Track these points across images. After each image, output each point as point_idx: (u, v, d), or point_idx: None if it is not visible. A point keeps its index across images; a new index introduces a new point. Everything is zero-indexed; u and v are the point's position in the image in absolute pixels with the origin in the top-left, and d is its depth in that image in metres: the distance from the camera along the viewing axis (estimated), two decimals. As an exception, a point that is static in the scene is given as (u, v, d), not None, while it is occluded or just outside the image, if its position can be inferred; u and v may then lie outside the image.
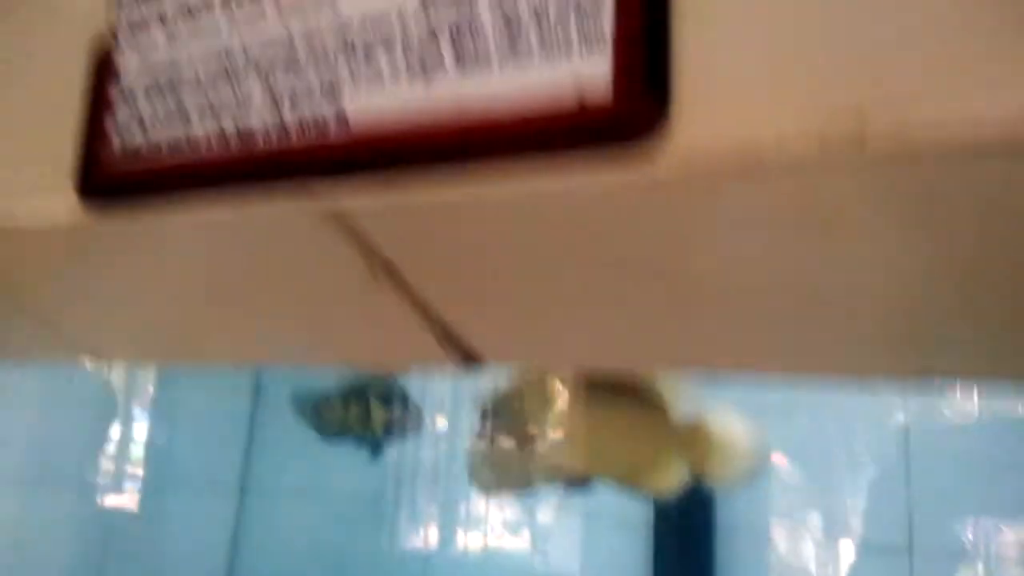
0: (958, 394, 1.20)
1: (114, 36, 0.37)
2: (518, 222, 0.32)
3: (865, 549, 1.25)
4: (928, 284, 0.31)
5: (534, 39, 0.28)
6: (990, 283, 0.30)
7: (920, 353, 0.38)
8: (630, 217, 0.29)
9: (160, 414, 1.75)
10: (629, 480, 1.14)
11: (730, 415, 1.17)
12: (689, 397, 1.15)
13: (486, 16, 0.29)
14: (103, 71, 0.37)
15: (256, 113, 0.34)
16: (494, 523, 1.65)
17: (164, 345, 0.55)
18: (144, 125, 0.36)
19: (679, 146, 0.26)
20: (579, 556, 1.46)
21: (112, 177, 0.37)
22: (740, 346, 0.39)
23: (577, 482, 1.18)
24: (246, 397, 1.90)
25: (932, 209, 0.26)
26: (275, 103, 0.33)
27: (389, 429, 1.67)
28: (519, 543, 1.59)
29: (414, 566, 1.67)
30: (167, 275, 0.43)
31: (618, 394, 1.15)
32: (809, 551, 1.28)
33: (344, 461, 1.68)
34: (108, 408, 1.68)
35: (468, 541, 1.67)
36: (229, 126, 0.34)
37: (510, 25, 0.28)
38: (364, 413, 1.65)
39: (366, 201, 0.32)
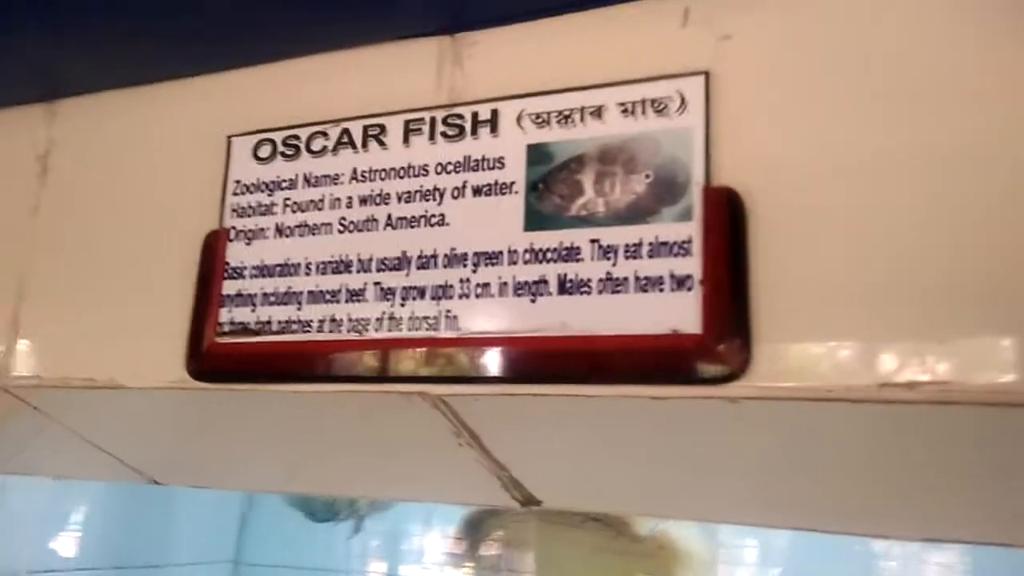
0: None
1: (227, 235, 0.41)
2: (590, 415, 0.36)
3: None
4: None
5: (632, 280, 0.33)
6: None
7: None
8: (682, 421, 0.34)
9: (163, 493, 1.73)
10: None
11: (688, 527, 1.25)
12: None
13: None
14: (214, 262, 0.41)
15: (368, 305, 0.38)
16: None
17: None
18: (255, 306, 0.40)
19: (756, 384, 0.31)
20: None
21: (218, 356, 0.40)
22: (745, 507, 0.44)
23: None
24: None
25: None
26: (386, 298, 0.38)
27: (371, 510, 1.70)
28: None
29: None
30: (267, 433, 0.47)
31: (584, 514, 1.22)
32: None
33: (327, 536, 1.68)
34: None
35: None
36: (340, 313, 0.38)
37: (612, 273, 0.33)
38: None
39: (462, 388, 0.36)
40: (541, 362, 0.34)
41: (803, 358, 0.30)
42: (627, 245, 0.33)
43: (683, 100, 0.34)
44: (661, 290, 0.32)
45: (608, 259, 0.34)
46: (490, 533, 1.36)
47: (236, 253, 0.41)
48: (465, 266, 0.36)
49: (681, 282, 0.32)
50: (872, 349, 0.29)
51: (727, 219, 0.32)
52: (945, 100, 0.30)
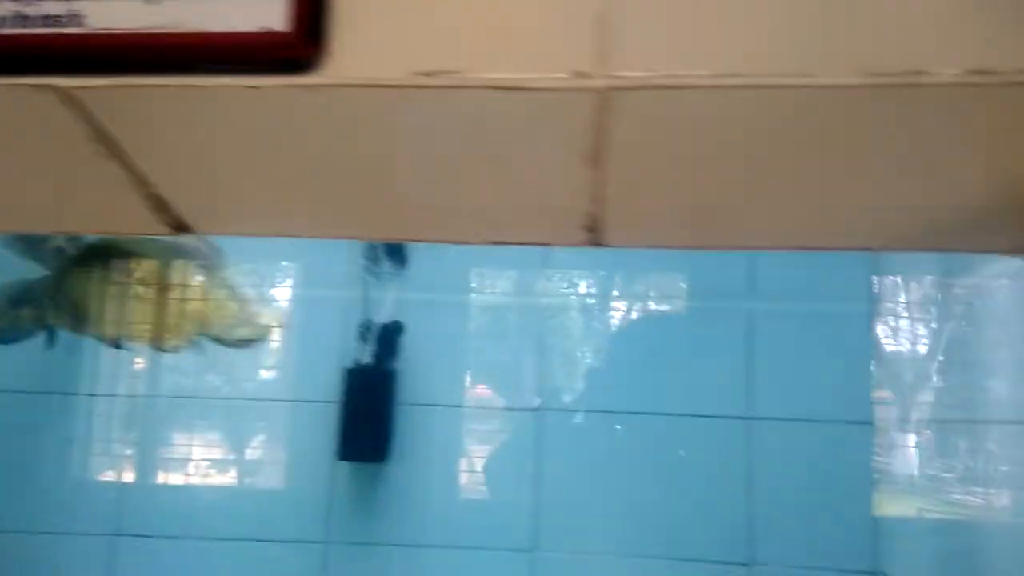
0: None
1: None
2: (218, 113, 0.43)
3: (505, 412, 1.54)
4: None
5: (234, -15, 0.40)
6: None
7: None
8: (301, 116, 0.43)
9: None
10: (150, 341, 1.40)
11: (237, 283, 1.46)
12: (194, 267, 1.41)
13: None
14: None
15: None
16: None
17: None
18: None
19: (331, 75, 0.40)
20: (274, 428, 1.59)
21: None
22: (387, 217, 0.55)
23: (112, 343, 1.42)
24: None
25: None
26: (14, -2, 0.41)
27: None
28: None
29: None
30: None
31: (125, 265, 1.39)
32: (474, 424, 1.54)
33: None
34: None
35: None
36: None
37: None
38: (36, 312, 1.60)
39: (93, 83, 0.42)
40: (160, 55, 0.41)
41: (378, 52, 0.40)
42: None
43: None
44: (257, -6, 0.40)
45: (215, -32, 0.40)
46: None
47: None
48: (89, -32, 0.41)
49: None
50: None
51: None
52: None
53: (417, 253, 1.60)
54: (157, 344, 1.44)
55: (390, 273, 1.58)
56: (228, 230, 0.58)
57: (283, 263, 1.63)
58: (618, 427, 1.54)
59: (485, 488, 1.53)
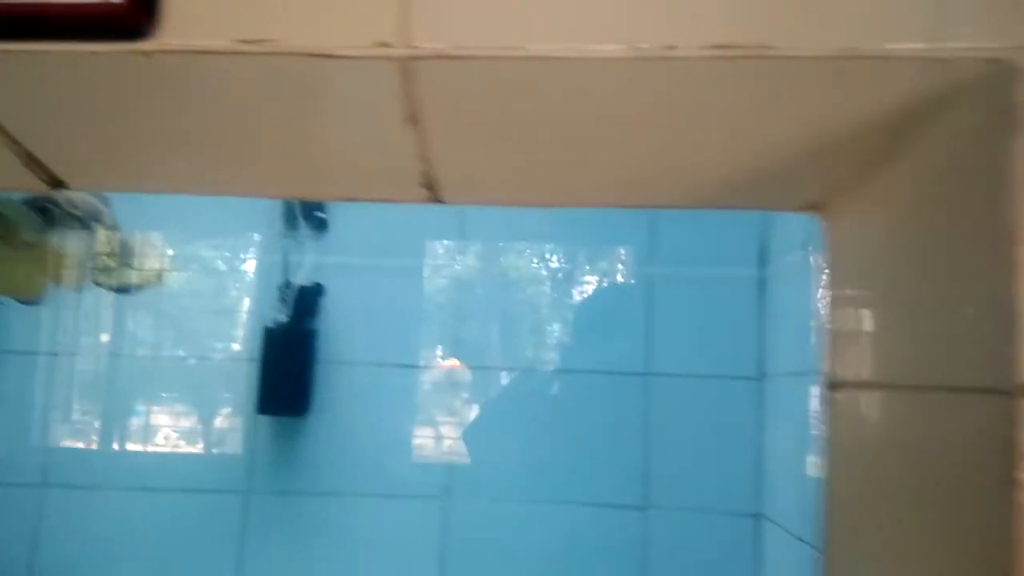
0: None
1: None
2: (69, 76, 0.49)
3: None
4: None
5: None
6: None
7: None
8: (142, 80, 0.49)
9: None
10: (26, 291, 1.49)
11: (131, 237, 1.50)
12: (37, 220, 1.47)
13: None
14: None
15: None
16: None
17: None
18: None
19: (162, 42, 0.46)
20: (197, 384, 1.65)
21: None
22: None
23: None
24: None
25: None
26: None
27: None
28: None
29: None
30: None
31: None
32: (390, 380, 1.62)
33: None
34: None
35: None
36: None
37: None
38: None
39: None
40: (12, 23, 0.46)
41: (205, 21, 0.46)
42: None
43: None
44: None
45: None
46: None
47: None
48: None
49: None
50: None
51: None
52: None
53: (337, 219, 1.65)
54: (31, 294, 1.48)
55: (310, 236, 1.63)
56: (100, 185, 0.64)
57: (203, 224, 1.67)
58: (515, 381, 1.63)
59: (401, 440, 1.61)
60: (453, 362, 1.63)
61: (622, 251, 1.64)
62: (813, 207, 0.62)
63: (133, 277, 1.56)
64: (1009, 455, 0.42)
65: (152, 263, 1.62)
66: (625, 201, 0.65)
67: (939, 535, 0.48)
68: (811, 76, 0.47)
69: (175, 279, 1.68)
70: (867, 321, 0.56)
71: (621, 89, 0.50)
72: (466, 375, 1.63)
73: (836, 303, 0.61)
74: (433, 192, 0.63)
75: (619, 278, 1.65)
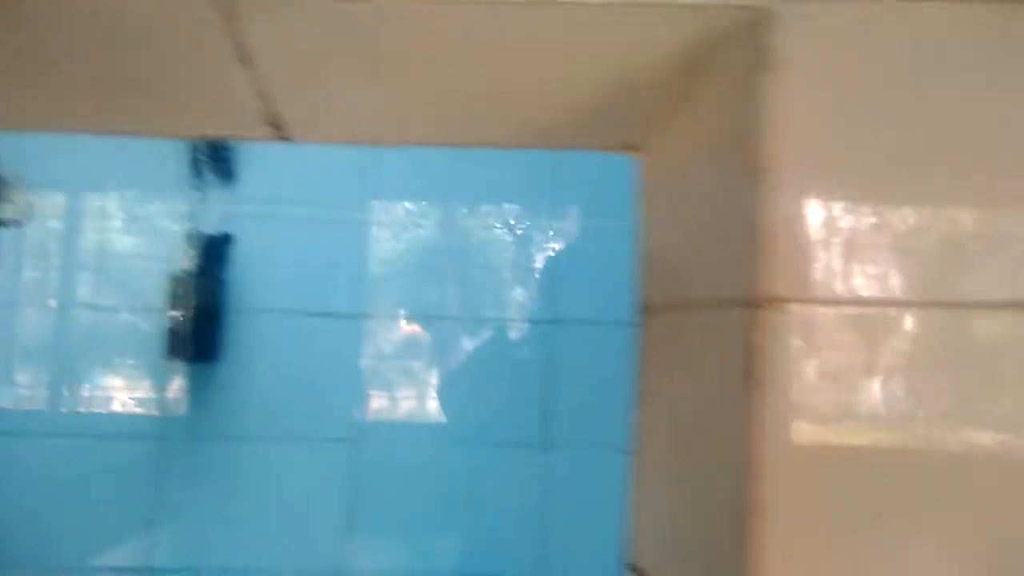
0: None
1: None
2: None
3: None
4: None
5: None
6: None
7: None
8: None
9: None
10: None
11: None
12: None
13: None
14: None
15: None
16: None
17: None
18: None
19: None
20: (109, 332, 1.66)
21: None
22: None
23: None
24: None
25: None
26: None
27: None
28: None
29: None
30: None
31: None
32: (300, 328, 1.66)
33: None
34: None
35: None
36: None
37: None
38: None
39: None
40: None
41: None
42: None
43: None
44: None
45: None
46: None
47: None
48: None
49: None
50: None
51: None
52: None
53: (246, 168, 1.67)
54: None
55: (217, 185, 1.64)
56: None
57: (108, 173, 1.67)
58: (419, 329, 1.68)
59: (311, 386, 1.65)
60: (362, 309, 1.68)
61: (515, 206, 1.69)
62: (629, 148, 0.67)
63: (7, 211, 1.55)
64: (752, 356, 0.49)
65: (22, 197, 1.60)
66: (460, 140, 0.70)
67: (703, 426, 0.54)
68: (597, 21, 0.52)
69: (83, 228, 1.68)
70: (670, 248, 0.63)
71: (447, 30, 0.54)
72: (375, 322, 1.67)
73: (647, 234, 0.66)
74: (280, 129, 0.66)
75: (519, 232, 1.70)
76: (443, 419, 1.63)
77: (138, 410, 1.64)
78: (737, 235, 0.51)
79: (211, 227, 1.62)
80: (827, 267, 0.48)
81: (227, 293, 1.61)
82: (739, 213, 0.51)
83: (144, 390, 1.65)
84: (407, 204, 1.70)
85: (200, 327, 1.57)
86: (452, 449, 1.62)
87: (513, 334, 1.64)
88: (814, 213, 0.48)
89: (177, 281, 1.57)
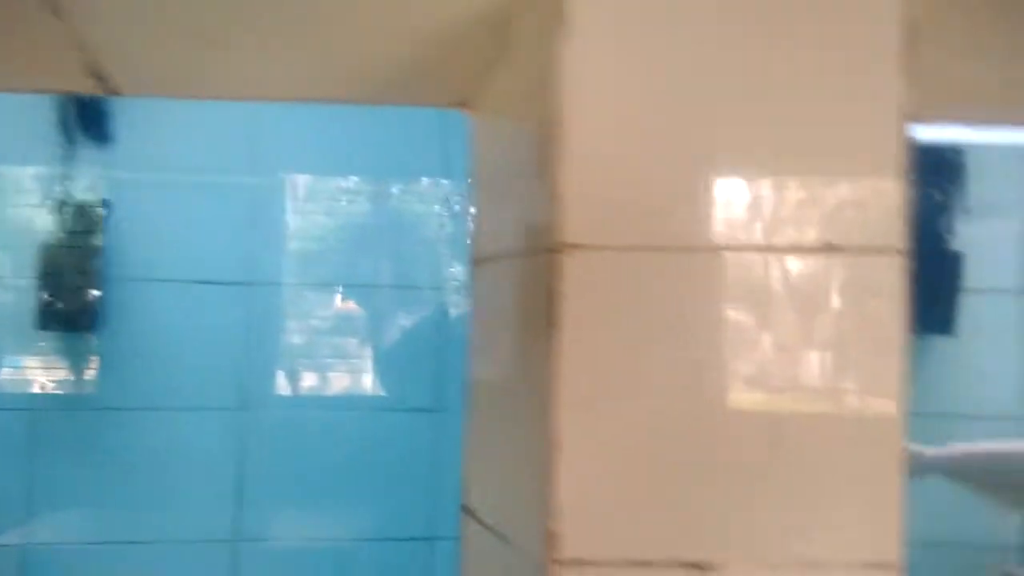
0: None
1: None
2: None
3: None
4: None
5: None
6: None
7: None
8: None
9: None
10: None
11: None
12: None
13: None
14: None
15: None
16: None
17: None
18: None
19: None
20: None
21: None
22: None
23: None
24: None
25: None
26: None
27: None
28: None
29: None
30: None
31: None
32: (182, 296, 1.63)
33: None
34: None
35: None
36: None
37: None
38: None
39: None
40: None
41: None
42: None
43: None
44: None
45: None
46: None
47: None
48: None
49: None
50: None
51: None
52: None
53: (125, 133, 1.61)
54: None
55: (92, 149, 1.58)
56: None
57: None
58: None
59: (194, 354, 1.62)
60: (249, 277, 1.66)
61: (424, 181, 1.71)
62: (461, 104, 0.69)
63: None
64: (552, 300, 0.52)
65: None
66: (286, 94, 0.70)
67: (517, 374, 0.57)
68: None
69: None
70: (492, 201, 0.65)
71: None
72: (259, 289, 1.66)
73: (477, 189, 0.69)
74: (104, 82, 0.65)
75: (403, 199, 1.71)
76: (333, 387, 1.64)
77: (11, 381, 1.58)
78: (532, 185, 0.54)
79: (85, 192, 1.56)
80: (619, 215, 0.51)
81: (104, 261, 1.57)
82: (541, 165, 0.54)
83: (13, 360, 1.59)
84: (295, 169, 1.68)
85: (73, 297, 1.53)
86: (344, 415, 1.63)
87: (407, 300, 1.65)
88: (604, 163, 0.51)
89: (45, 248, 1.52)
